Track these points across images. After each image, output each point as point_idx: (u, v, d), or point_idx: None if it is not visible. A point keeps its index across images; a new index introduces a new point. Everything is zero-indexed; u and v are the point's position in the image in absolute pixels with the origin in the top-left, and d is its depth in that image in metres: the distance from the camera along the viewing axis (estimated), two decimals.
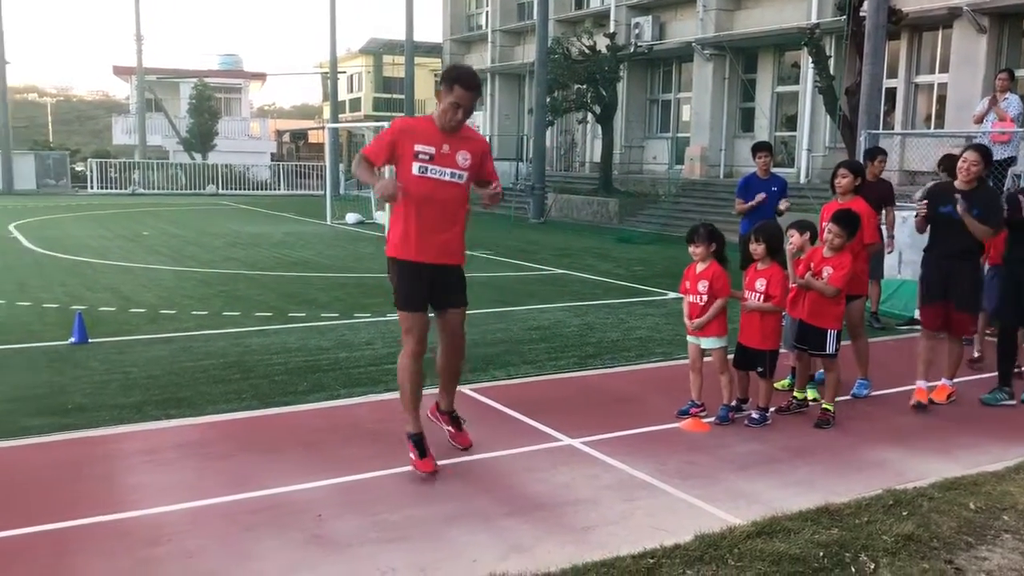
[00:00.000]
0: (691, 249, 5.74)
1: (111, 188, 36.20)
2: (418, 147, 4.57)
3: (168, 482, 4.46)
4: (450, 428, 5.08)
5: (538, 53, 23.56)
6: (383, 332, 8.26)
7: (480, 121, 34.60)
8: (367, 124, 26.03)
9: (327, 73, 39.75)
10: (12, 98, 36.35)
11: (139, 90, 41.06)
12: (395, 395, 6.12)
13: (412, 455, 4.66)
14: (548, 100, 24.07)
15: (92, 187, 35.99)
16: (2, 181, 34.90)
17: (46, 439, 5.05)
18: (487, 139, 5.30)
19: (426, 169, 4.58)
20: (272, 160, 43.66)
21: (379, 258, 14.56)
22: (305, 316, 9.01)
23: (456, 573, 3.56)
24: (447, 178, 4.61)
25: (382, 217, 20.25)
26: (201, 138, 39.76)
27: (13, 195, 33.42)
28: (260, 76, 50.85)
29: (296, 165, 41.68)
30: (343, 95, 46.49)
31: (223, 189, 37.45)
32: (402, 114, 29.99)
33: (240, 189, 37.86)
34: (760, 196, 8.59)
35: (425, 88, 44.04)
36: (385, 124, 20.96)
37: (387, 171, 4.99)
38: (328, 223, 21.85)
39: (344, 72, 47.00)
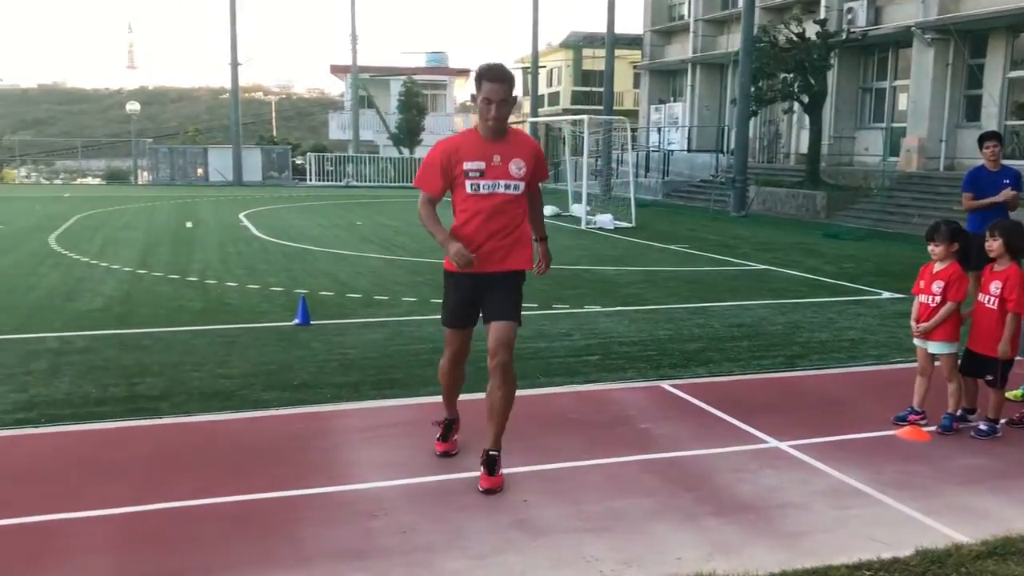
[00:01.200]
0: (930, 248, 5.38)
1: (327, 180, 38.61)
2: (467, 165, 4.31)
3: (384, 459, 4.71)
4: (482, 469, 4.39)
5: (743, 42, 22.88)
6: (581, 324, 8.33)
7: (679, 112, 34.06)
8: (565, 118, 26.27)
9: (527, 68, 40.47)
10: (241, 97, 39.44)
11: (353, 88, 43.49)
12: (594, 386, 6.21)
13: (438, 435, 4.86)
14: (752, 90, 23.33)
15: (310, 179, 38.53)
16: (233, 173, 38.02)
17: (277, 412, 5.48)
18: (540, 148, 4.60)
19: (479, 187, 4.32)
20: None
21: (575, 250, 14.72)
22: None
23: (660, 569, 3.54)
24: (501, 190, 4.33)
25: (578, 210, 20.40)
26: (409, 133, 41.55)
27: (242, 186, 36.39)
28: (464, 72, 52.43)
29: None
30: (542, 89, 47.12)
31: None
32: (600, 107, 30.04)
33: None
34: (1009, 192, 7.82)
35: (624, 80, 43.90)
36: (583, 117, 21.08)
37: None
38: None
39: (544, 67, 47.60)
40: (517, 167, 4.34)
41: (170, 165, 39.25)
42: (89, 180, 43.28)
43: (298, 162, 41.34)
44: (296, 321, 8.10)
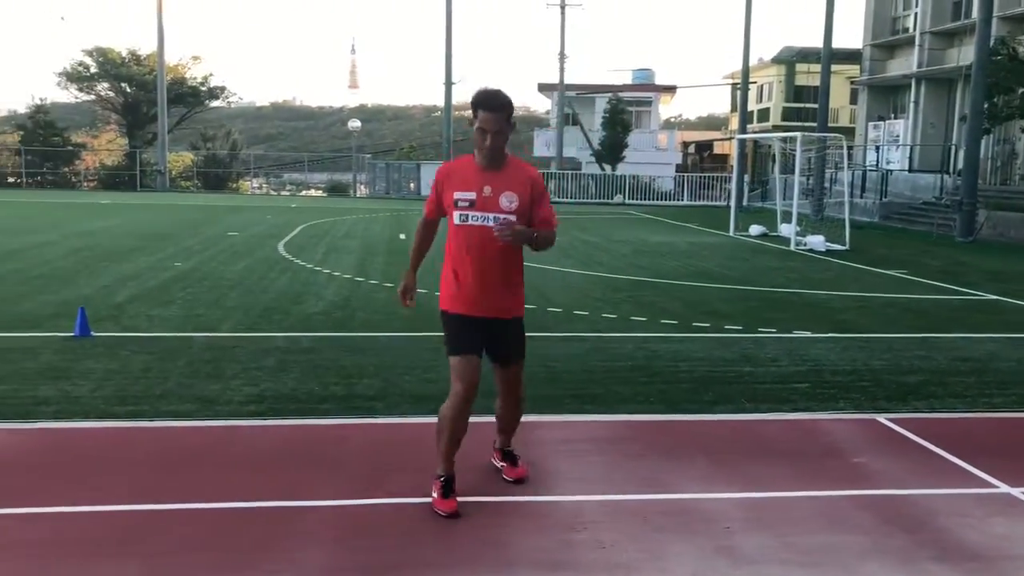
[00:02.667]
0: None
1: None
2: (457, 195, 4.14)
3: (584, 473, 4.75)
4: (503, 463, 4.65)
5: (977, 54, 21.28)
6: (789, 349, 8.02)
7: (900, 129, 32.10)
8: (775, 135, 25.43)
9: (737, 84, 39.54)
10: (453, 114, 41.07)
11: (559, 106, 44.22)
12: (803, 415, 5.96)
13: (435, 492, 4.22)
14: (986, 106, 21.63)
15: None
16: None
17: (482, 419, 5.63)
18: (541, 182, 4.29)
19: (467, 217, 4.12)
20: (676, 171, 44.49)
21: (783, 272, 14.21)
22: (709, 327, 9.05)
23: None
24: (491, 224, 4.07)
25: (787, 230, 19.67)
26: (612, 150, 41.69)
27: None
28: (670, 89, 52.05)
29: (700, 176, 42.05)
30: (751, 105, 45.86)
31: (629, 199, 38.94)
32: (815, 124, 28.85)
33: (645, 199, 39.10)
34: None
35: (840, 96, 41.96)
36: (795, 134, 20.29)
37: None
38: (731, 235, 21.72)
39: (754, 83, 46.36)
40: (508, 200, 4.10)
41: (386, 179, 41.50)
42: (312, 192, 46.56)
43: None
44: None
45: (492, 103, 4.08)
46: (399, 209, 30.31)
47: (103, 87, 47.87)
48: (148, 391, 6.07)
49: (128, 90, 46.95)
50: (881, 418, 5.89)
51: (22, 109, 50.39)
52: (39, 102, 45.78)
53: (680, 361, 7.46)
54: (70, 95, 48.54)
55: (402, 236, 19.29)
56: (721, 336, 8.60)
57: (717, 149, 55.27)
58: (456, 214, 4.15)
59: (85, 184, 44.12)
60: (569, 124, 45.60)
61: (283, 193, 46.43)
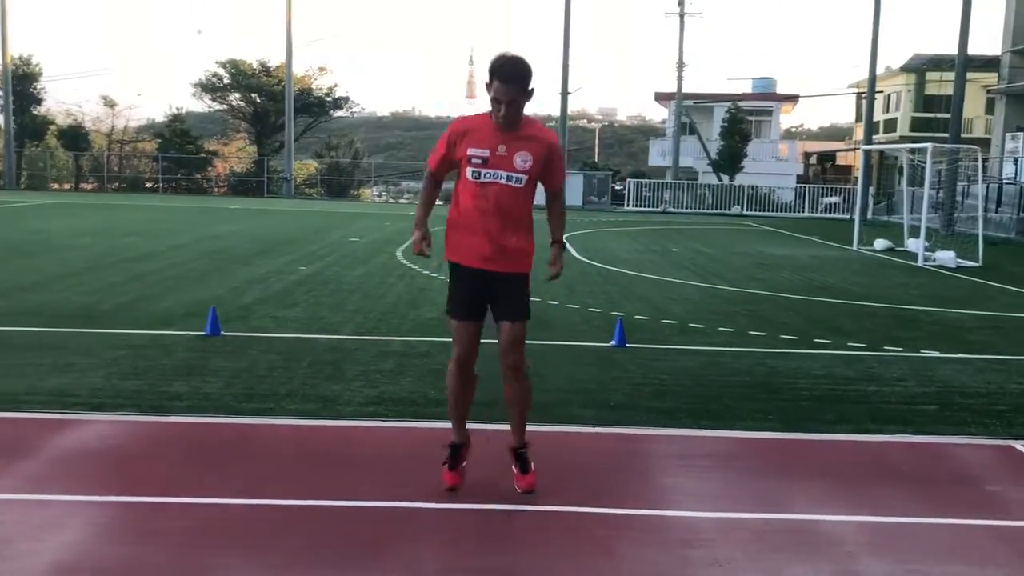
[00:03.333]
0: None
1: (644, 206, 39.12)
2: (471, 151, 4.19)
3: (700, 489, 4.67)
4: (513, 468, 4.47)
5: None
6: (917, 369, 7.68)
7: None
8: (903, 146, 24.44)
9: (862, 93, 38.22)
10: (570, 124, 41.16)
11: (676, 115, 43.75)
12: (931, 438, 5.70)
13: (445, 464, 4.40)
14: None
15: (628, 205, 39.27)
16: None
17: (593, 429, 5.64)
18: (557, 146, 4.43)
19: (479, 174, 4.20)
20: (797, 182, 43.32)
21: (910, 289, 13.63)
22: (831, 343, 8.77)
23: None
24: (503, 182, 4.18)
25: (915, 245, 18.87)
26: (730, 160, 40.96)
27: (568, 210, 37.89)
28: (792, 98, 50.80)
29: (821, 187, 40.82)
30: (877, 115, 44.24)
31: (747, 210, 38.15)
32: (946, 135, 27.59)
33: (763, 210, 38.23)
34: None
35: (975, 106, 40.03)
36: (926, 145, 19.47)
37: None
38: (855, 248, 20.98)
39: (881, 92, 44.69)
40: (523, 159, 4.18)
41: None
42: None
43: (617, 187, 42.30)
44: (612, 342, 8.28)
45: (508, 74, 4.09)
46: None
47: (234, 97, 50.22)
48: (274, 390, 6.32)
49: (258, 100, 49.10)
50: (1019, 445, 5.58)
51: (159, 118, 53.36)
52: (175, 112, 48.44)
53: (800, 378, 7.26)
54: (204, 105, 51.15)
55: None
56: (843, 354, 8.32)
57: (840, 160, 53.53)
58: (469, 170, 4.22)
59: (216, 190, 46.34)
60: (686, 134, 45.04)
61: (401, 200, 47.51)
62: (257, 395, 6.17)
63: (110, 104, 48.98)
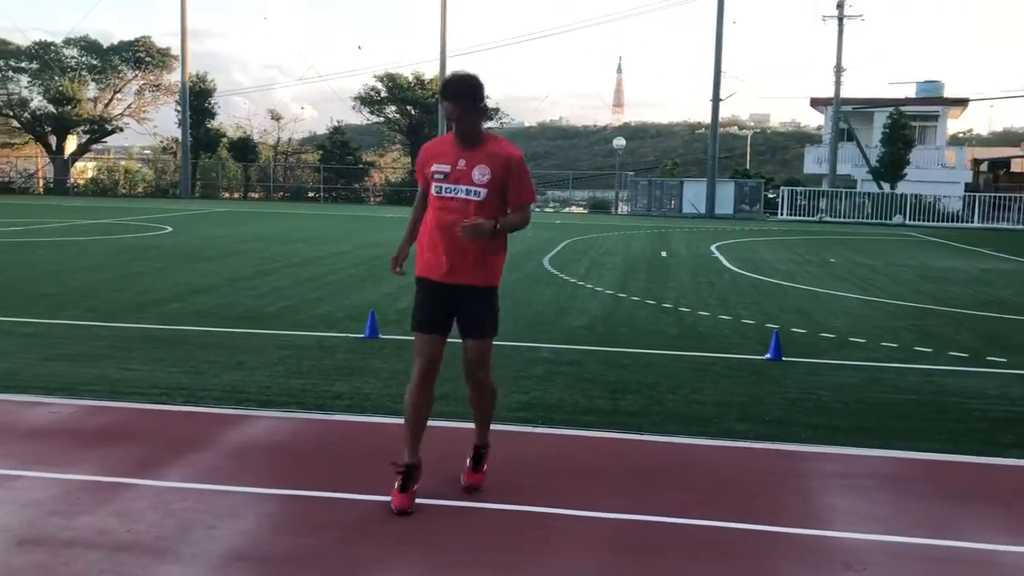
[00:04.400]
0: None
1: (799, 215, 37.81)
2: (434, 167, 4.33)
3: (862, 510, 4.47)
4: (467, 462, 4.54)
5: None
6: None
7: None
8: None
9: None
10: (721, 131, 40.34)
11: (833, 120, 42.06)
12: None
13: (396, 484, 4.25)
14: None
15: (781, 214, 38.05)
16: (706, 206, 39.02)
17: (750, 444, 5.49)
18: (518, 160, 4.35)
19: (442, 189, 4.30)
20: (965, 190, 40.78)
21: None
22: (1006, 362, 8.20)
23: None
24: (463, 196, 4.25)
25: None
26: (891, 167, 39.01)
27: (713, 219, 37.20)
28: (960, 102, 47.82)
29: (993, 196, 38.25)
30: None
31: (910, 219, 36.24)
32: None
33: (927, 220, 36.22)
34: None
35: None
36: None
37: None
38: None
39: None
40: (481, 173, 4.25)
41: (647, 196, 41.52)
42: (574, 209, 47.60)
43: (770, 196, 41.08)
44: (768, 356, 8.04)
45: (450, 92, 4.24)
46: (661, 226, 30.23)
47: (391, 110, 51.97)
48: None
49: (412, 112, 50.62)
50: None
51: (320, 131, 55.96)
52: (336, 124, 50.71)
53: (972, 398, 6.83)
54: (362, 118, 53.21)
55: (664, 254, 19.22)
56: (1022, 373, 7.76)
57: (1015, 167, 50.03)
58: (433, 185, 4.34)
59: (372, 199, 48.13)
60: (844, 140, 43.22)
61: (546, 210, 47.83)
62: None
63: (276, 118, 51.77)
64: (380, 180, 50.66)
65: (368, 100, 51.24)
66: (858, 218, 37.03)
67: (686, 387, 6.91)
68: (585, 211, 46.30)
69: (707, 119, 40.29)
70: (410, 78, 50.46)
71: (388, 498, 4.34)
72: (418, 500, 4.35)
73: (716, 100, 39.17)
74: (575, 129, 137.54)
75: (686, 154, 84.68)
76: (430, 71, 49.61)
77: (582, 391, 6.67)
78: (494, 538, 4.01)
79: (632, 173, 48.53)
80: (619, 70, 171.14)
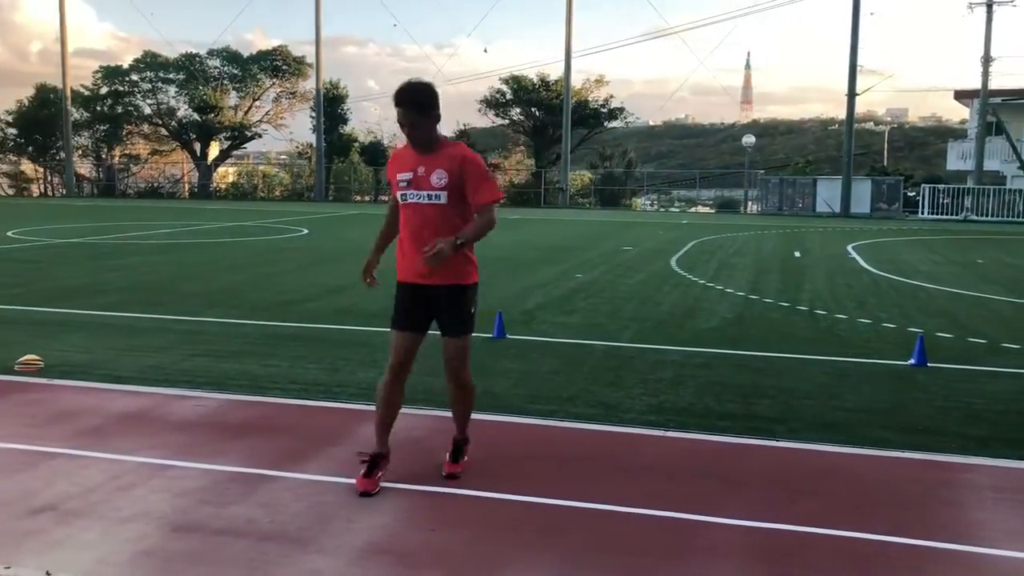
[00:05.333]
0: None
1: (941, 214, 35.95)
2: (399, 176, 4.49)
3: (1019, 527, 4.18)
4: (447, 454, 4.76)
5: None
6: None
7: None
8: None
9: None
10: (857, 127, 38.77)
11: (980, 113, 39.77)
12: None
13: (361, 471, 4.46)
14: None
15: (922, 212, 36.27)
16: (840, 204, 37.59)
17: (896, 454, 5.23)
18: (474, 161, 4.45)
19: (406, 196, 4.46)
20: None
21: None
22: None
23: None
24: (424, 200, 4.40)
25: None
26: None
27: (849, 218, 35.82)
28: None
29: None
30: None
31: None
32: None
33: None
34: None
35: None
36: None
37: None
38: None
39: None
40: (438, 177, 4.39)
41: (778, 195, 40.34)
42: (701, 208, 46.74)
43: (910, 194, 39.22)
44: (911, 361, 7.65)
45: (400, 99, 4.35)
46: (792, 226, 29.30)
47: (516, 112, 52.40)
48: (557, 393, 6.49)
49: (537, 114, 50.88)
50: None
51: (446, 134, 56.93)
52: (462, 128, 51.54)
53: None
54: (487, 120, 53.88)
55: (797, 254, 18.61)
56: None
57: None
58: (399, 193, 4.51)
59: None
60: (991, 134, 40.79)
61: (672, 209, 47.19)
62: (542, 397, 6.37)
63: None
64: (504, 182, 51.17)
65: (493, 103, 51.84)
66: (1008, 216, 34.88)
67: (824, 392, 6.65)
68: (712, 211, 45.41)
69: (841, 115, 38.86)
70: (535, 80, 50.73)
71: (522, 497, 4.36)
72: (558, 502, 4.35)
73: (852, 95, 37.68)
74: (701, 127, 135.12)
75: (818, 151, 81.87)
76: (555, 72, 49.80)
77: (714, 395, 6.51)
78: (626, 542, 3.95)
79: (762, 171, 47.25)
80: (747, 65, 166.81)
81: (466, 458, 4.82)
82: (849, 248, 20.22)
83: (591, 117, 50.42)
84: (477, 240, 4.44)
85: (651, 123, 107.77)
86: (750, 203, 43.55)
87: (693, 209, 47.24)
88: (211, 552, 3.75)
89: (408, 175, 4.46)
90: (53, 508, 4.18)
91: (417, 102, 4.37)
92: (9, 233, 21.19)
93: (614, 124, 52.82)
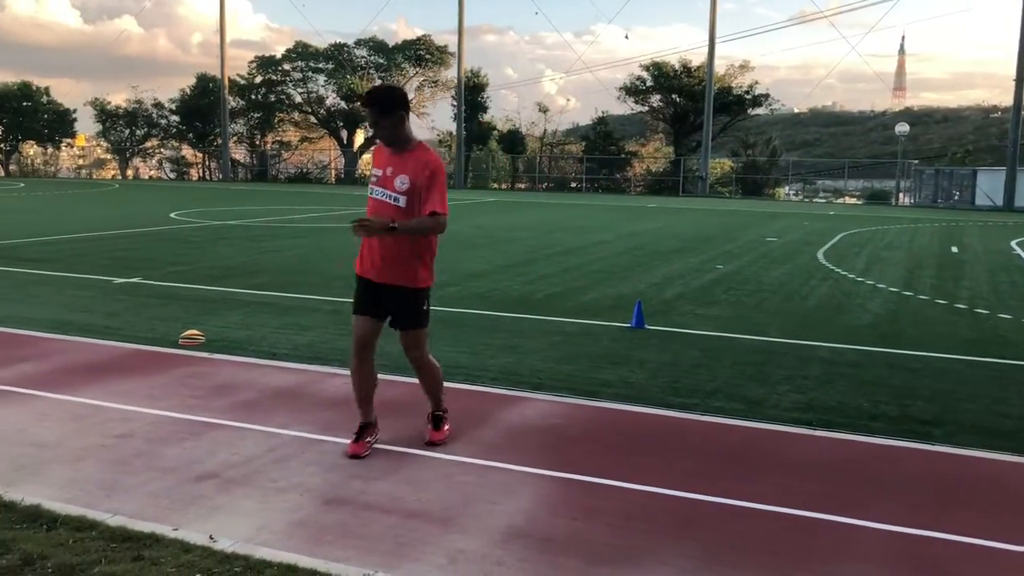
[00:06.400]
0: None
1: None
2: (373, 171, 4.79)
3: None
4: (428, 425, 5.05)
5: None
6: None
7: None
8: None
9: None
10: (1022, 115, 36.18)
11: None
12: None
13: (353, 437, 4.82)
14: None
15: None
16: (1004, 197, 35.26)
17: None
18: (436, 171, 4.63)
19: (373, 191, 4.74)
20: None
21: None
22: None
23: None
24: (387, 200, 4.66)
25: None
26: None
27: (1013, 212, 33.55)
28: None
29: None
30: None
31: None
32: None
33: None
34: None
35: None
36: None
37: None
38: None
39: None
40: (401, 181, 4.62)
41: (933, 187, 38.22)
42: (848, 199, 44.80)
43: None
44: None
45: (362, 100, 4.57)
46: (949, 220, 27.68)
47: (655, 99, 51.66)
48: (699, 386, 6.37)
49: (677, 100, 50.00)
50: None
51: (583, 122, 56.82)
52: (601, 115, 51.28)
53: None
54: (626, 107, 53.36)
55: (954, 249, 17.58)
56: None
57: None
58: (370, 187, 4.78)
59: (633, 189, 48.19)
60: None
61: (816, 200, 45.47)
62: (683, 389, 6.27)
63: (543, 110, 53.22)
64: (641, 170, 50.58)
65: (633, 90, 51.25)
66: None
67: (987, 396, 6.26)
68: (860, 202, 43.46)
69: (1005, 101, 36.32)
70: (676, 66, 49.82)
71: (660, 490, 4.33)
72: (696, 496, 4.29)
73: (1020, 80, 35.17)
74: (849, 115, 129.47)
75: (978, 140, 76.93)
76: (697, 58, 48.77)
77: (866, 395, 6.23)
78: (764, 539, 3.84)
79: (916, 161, 44.85)
80: (901, 50, 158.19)
81: (447, 427, 5.08)
82: (1013, 244, 18.94)
83: (734, 104, 49.07)
84: (416, 233, 4.64)
85: (796, 110, 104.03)
86: (902, 195, 41.44)
87: (840, 200, 45.34)
88: (360, 527, 3.88)
89: (379, 171, 4.77)
90: (215, 476, 4.43)
91: (379, 103, 4.67)
92: (172, 215, 22.59)
93: (758, 111, 51.23)
